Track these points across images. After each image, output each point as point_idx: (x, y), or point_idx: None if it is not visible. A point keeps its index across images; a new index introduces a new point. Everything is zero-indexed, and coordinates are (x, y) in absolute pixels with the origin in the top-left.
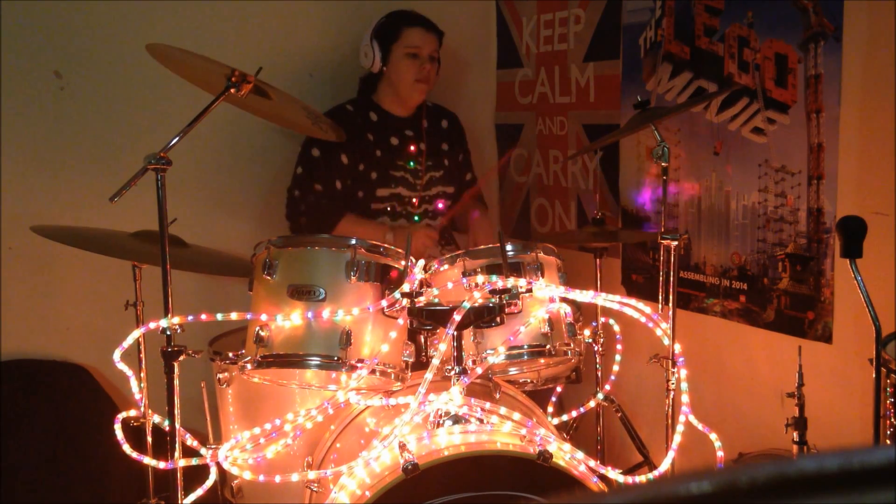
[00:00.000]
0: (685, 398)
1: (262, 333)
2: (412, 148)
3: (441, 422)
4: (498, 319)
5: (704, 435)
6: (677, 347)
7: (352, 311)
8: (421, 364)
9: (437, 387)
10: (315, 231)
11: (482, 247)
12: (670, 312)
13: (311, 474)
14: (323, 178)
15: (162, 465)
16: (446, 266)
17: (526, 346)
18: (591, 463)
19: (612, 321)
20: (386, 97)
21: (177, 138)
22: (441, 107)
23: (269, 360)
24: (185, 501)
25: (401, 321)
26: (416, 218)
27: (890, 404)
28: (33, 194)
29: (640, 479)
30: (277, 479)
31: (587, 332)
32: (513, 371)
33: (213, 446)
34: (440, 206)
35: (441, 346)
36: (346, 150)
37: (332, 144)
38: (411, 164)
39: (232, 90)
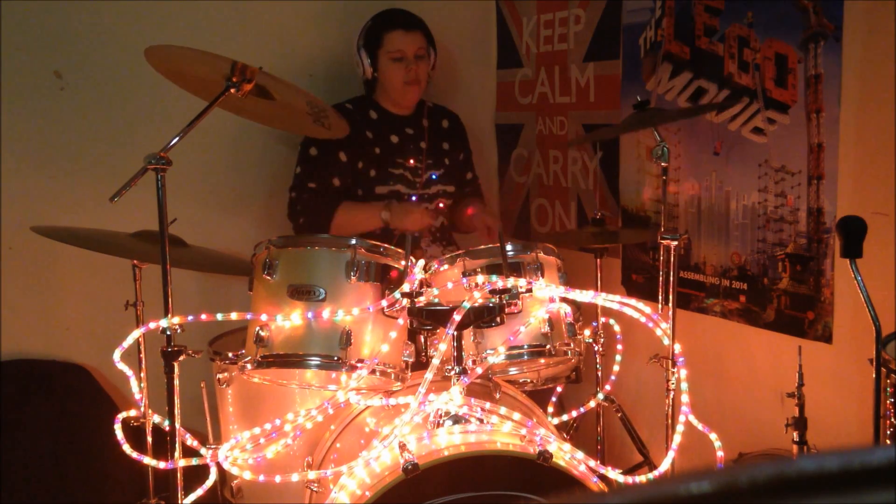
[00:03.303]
0: (685, 398)
1: (262, 333)
2: (412, 146)
3: (441, 422)
4: (498, 319)
5: (704, 435)
6: (677, 347)
7: (352, 311)
8: (421, 364)
9: (437, 387)
10: (315, 229)
11: (482, 247)
12: (670, 312)
13: (311, 474)
14: (318, 176)
15: (162, 465)
16: (446, 266)
17: (526, 346)
18: (591, 463)
19: (612, 321)
20: (384, 100)
21: (177, 138)
22: (443, 107)
23: (269, 360)
24: (185, 501)
25: (401, 321)
26: None
27: (890, 404)
28: (33, 194)
29: (640, 479)
30: (277, 479)
31: (587, 332)
32: (513, 371)
33: (213, 446)
34: (440, 205)
35: (441, 346)
36: (345, 147)
37: (331, 142)
38: (411, 161)
39: (232, 90)
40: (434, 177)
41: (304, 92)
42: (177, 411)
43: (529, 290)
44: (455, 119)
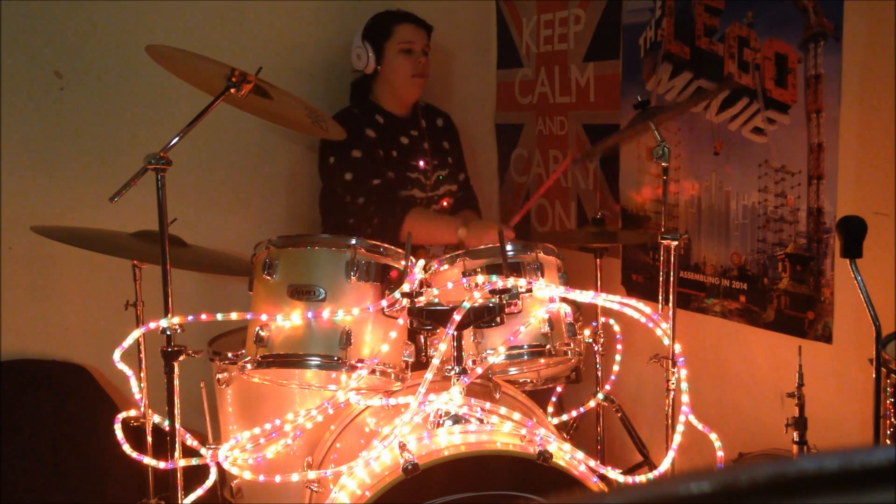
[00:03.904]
0: (685, 398)
1: (262, 333)
2: (419, 148)
3: (441, 422)
4: (498, 319)
5: (704, 435)
6: (677, 347)
7: (352, 311)
8: (421, 364)
9: (437, 387)
10: (389, 228)
11: (482, 247)
12: (670, 312)
13: (311, 474)
14: (377, 172)
15: (162, 465)
16: (446, 266)
17: (526, 346)
18: (591, 463)
19: (612, 321)
20: (383, 97)
21: (177, 138)
22: (434, 106)
23: (269, 360)
24: (185, 501)
25: (401, 321)
26: None
27: (890, 404)
28: (33, 194)
29: (640, 479)
30: (277, 479)
31: (587, 332)
32: (513, 371)
33: (212, 446)
34: (445, 204)
35: (441, 346)
36: (377, 146)
37: (367, 141)
38: (421, 163)
39: (232, 90)
40: (441, 178)
41: (301, 100)
42: (177, 411)
43: (529, 290)
44: (447, 117)
